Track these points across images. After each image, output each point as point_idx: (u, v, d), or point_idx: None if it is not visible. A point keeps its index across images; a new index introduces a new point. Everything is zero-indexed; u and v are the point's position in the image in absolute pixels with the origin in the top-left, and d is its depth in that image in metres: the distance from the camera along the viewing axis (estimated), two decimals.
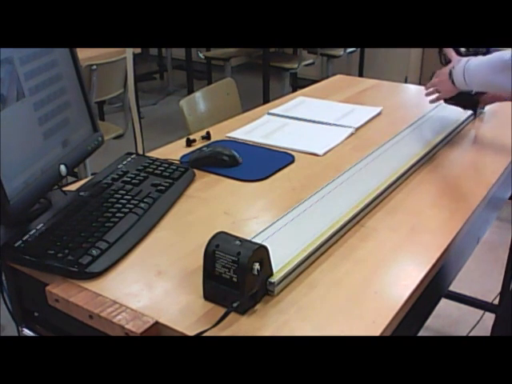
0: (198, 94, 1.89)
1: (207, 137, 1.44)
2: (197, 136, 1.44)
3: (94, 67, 2.32)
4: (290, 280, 0.87)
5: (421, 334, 1.06)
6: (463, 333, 2.07)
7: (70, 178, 2.05)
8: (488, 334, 2.03)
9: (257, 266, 0.78)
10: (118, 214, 1.00)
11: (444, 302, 2.11)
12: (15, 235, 0.93)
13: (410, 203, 1.11)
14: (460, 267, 1.25)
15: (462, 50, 1.37)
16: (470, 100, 1.46)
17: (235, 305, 0.78)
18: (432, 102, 1.45)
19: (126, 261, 0.92)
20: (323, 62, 4.24)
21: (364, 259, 0.93)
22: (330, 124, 1.54)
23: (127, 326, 0.77)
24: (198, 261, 0.84)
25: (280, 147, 1.39)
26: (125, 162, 1.23)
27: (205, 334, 0.75)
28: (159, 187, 1.12)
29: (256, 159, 1.32)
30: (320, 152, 1.36)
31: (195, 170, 1.24)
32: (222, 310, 0.78)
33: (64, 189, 1.10)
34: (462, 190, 1.17)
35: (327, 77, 2.72)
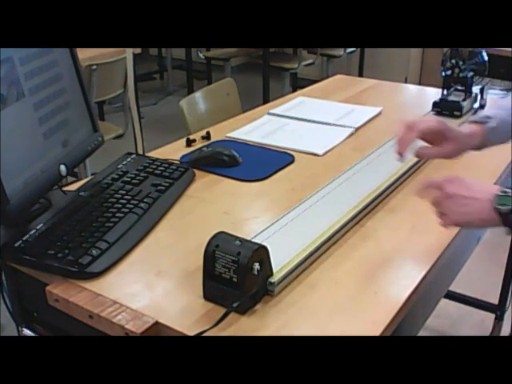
0: (197, 94, 1.89)
1: (207, 137, 1.44)
2: (197, 136, 1.44)
3: (94, 67, 2.32)
4: (289, 280, 0.87)
5: (421, 333, 1.06)
6: (463, 333, 2.07)
7: (70, 178, 2.05)
8: (488, 333, 2.03)
9: (257, 266, 0.78)
10: (117, 214, 1.00)
11: (444, 302, 2.10)
12: (15, 235, 0.93)
13: (410, 203, 1.11)
14: (460, 267, 1.25)
15: None
16: (457, 107, 1.50)
17: (235, 305, 0.78)
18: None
19: (126, 261, 0.92)
20: (323, 61, 4.24)
21: (364, 259, 0.93)
22: (329, 124, 1.54)
23: (127, 326, 0.77)
24: (198, 261, 0.84)
25: (280, 147, 1.39)
26: (125, 162, 1.22)
27: (205, 334, 0.75)
28: (159, 187, 1.12)
29: (256, 159, 1.32)
30: (320, 152, 1.36)
31: (195, 170, 1.24)
32: (221, 310, 0.78)
33: (64, 189, 1.10)
34: None
35: (327, 77, 2.72)
